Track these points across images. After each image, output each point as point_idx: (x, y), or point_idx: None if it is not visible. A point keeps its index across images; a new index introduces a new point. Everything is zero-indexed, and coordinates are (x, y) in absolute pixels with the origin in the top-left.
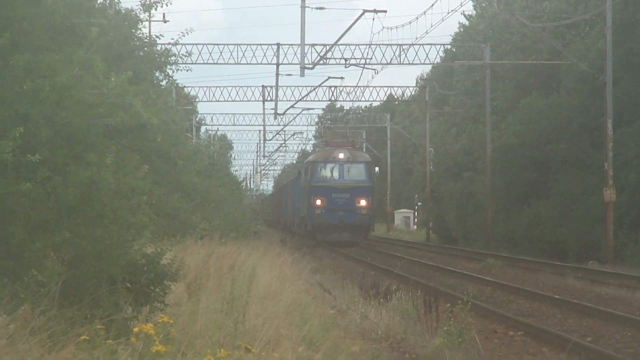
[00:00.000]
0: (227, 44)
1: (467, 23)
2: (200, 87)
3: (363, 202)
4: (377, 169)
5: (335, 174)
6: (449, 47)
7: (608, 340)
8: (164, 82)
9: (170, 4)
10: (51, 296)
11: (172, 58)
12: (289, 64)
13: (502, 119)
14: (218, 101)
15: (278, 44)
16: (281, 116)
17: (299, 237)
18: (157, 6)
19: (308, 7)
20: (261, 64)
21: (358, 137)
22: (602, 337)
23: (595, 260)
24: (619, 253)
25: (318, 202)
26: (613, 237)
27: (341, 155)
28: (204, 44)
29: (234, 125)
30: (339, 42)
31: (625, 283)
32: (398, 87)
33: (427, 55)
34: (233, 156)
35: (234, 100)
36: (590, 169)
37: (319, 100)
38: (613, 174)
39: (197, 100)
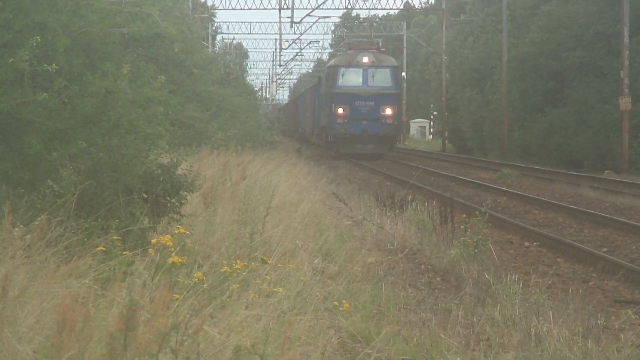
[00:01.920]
0: None
1: None
2: None
3: (389, 111)
4: (403, 74)
5: (359, 80)
6: None
7: (623, 250)
8: None
9: None
10: (67, 207)
11: None
12: None
13: (518, 27)
14: (234, 9)
15: None
16: (297, 24)
17: (316, 147)
18: None
19: None
20: None
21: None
22: (618, 247)
23: (610, 170)
24: (634, 162)
25: (340, 110)
26: (628, 146)
27: (365, 59)
28: None
29: (250, 33)
30: None
31: None
32: None
33: None
34: (249, 65)
35: (250, 9)
36: (606, 77)
37: (335, 9)
38: (629, 83)
39: (214, 8)
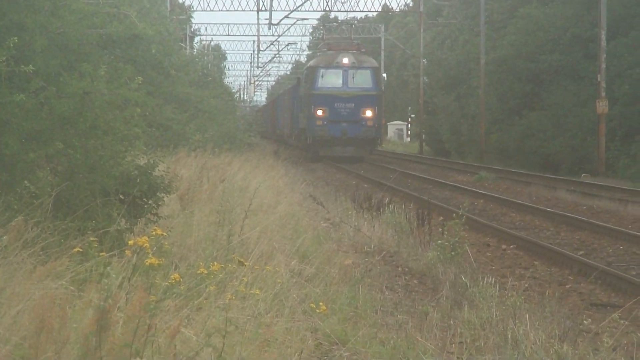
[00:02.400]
0: None
1: None
2: None
3: (369, 113)
4: (384, 75)
5: (339, 81)
6: None
7: (600, 253)
8: None
9: None
10: (44, 208)
11: None
12: None
13: (496, 30)
14: (212, 11)
15: None
16: (275, 26)
17: (294, 149)
18: None
19: None
20: None
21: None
22: (594, 250)
23: (587, 173)
24: (611, 166)
25: (319, 112)
26: (605, 149)
27: (345, 60)
28: None
29: (228, 35)
30: None
31: (617, 196)
32: None
33: None
34: (227, 67)
35: (228, 10)
36: (583, 80)
37: (313, 11)
38: (606, 86)
39: (192, 10)
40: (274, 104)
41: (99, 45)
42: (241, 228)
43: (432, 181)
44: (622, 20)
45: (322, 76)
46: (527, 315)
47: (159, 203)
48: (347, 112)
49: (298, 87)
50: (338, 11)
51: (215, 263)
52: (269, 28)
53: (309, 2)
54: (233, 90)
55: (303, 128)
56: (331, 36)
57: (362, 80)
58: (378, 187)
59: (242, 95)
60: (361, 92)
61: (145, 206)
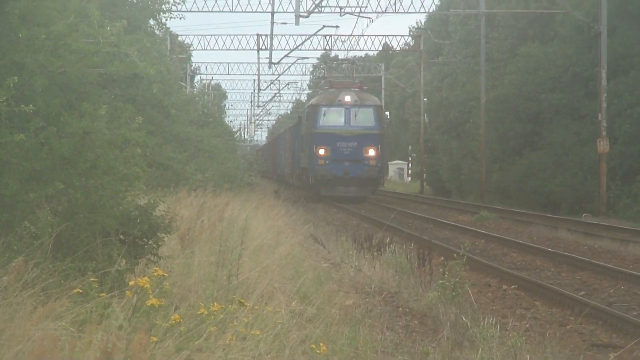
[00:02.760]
0: None
1: None
2: (194, 35)
3: (372, 152)
4: (387, 114)
5: (341, 120)
6: None
7: (601, 294)
8: (158, 31)
9: None
10: (44, 248)
11: (165, 5)
12: (284, 12)
13: (496, 68)
14: (212, 50)
15: None
16: (276, 65)
17: (295, 189)
18: None
19: None
20: (256, 12)
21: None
22: (595, 290)
23: (588, 213)
24: (612, 205)
25: (321, 151)
26: (606, 189)
27: (348, 98)
28: None
29: (228, 74)
30: None
31: (618, 236)
32: (393, 36)
33: (422, 3)
34: (227, 106)
35: (228, 49)
36: (584, 119)
37: (313, 50)
38: (606, 125)
39: (192, 49)
40: (274, 143)
41: (99, 84)
42: (237, 268)
43: (433, 221)
44: (622, 60)
45: (323, 114)
46: (528, 356)
47: (159, 243)
48: (350, 151)
49: (299, 126)
50: (338, 50)
51: (216, 303)
52: (270, 67)
53: (309, 41)
54: (233, 129)
55: (304, 167)
56: (333, 74)
57: (365, 118)
58: (379, 226)
59: (242, 135)
60: (364, 130)
61: (146, 246)
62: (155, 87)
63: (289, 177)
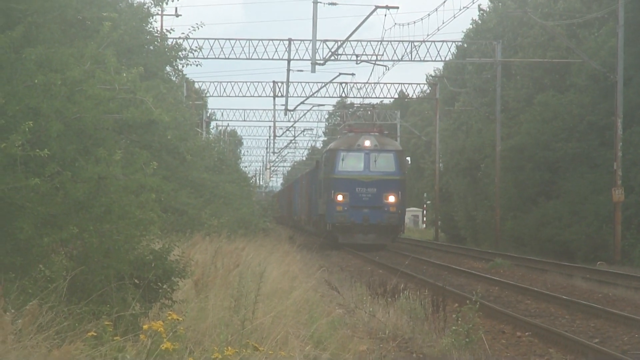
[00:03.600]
0: (239, 39)
1: (479, 20)
2: (211, 82)
3: (392, 199)
4: (408, 159)
5: (360, 165)
6: (460, 44)
7: (615, 341)
8: (174, 77)
9: None
10: (59, 292)
11: (182, 52)
12: (300, 59)
13: (512, 117)
14: (229, 96)
15: (290, 40)
16: (291, 112)
17: (309, 235)
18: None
19: (320, 2)
20: (272, 59)
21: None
22: (610, 338)
23: (603, 261)
24: (627, 254)
25: (340, 197)
26: (621, 237)
27: (367, 143)
28: (215, 39)
29: (244, 120)
30: (350, 38)
31: (633, 284)
32: (409, 84)
33: (438, 52)
34: (242, 152)
35: (244, 96)
36: (599, 168)
37: (329, 97)
38: (622, 174)
39: (207, 95)
40: (290, 188)
41: (114, 130)
42: (252, 313)
43: (447, 267)
44: (637, 109)
45: (342, 159)
46: None
47: (174, 287)
48: (369, 197)
49: (317, 171)
50: (354, 97)
51: (230, 348)
52: (285, 114)
53: (325, 88)
54: (249, 175)
55: (322, 214)
56: (351, 119)
57: (385, 164)
58: (393, 273)
59: (257, 181)
60: (384, 176)
61: (160, 290)
62: (169, 134)
63: (305, 223)
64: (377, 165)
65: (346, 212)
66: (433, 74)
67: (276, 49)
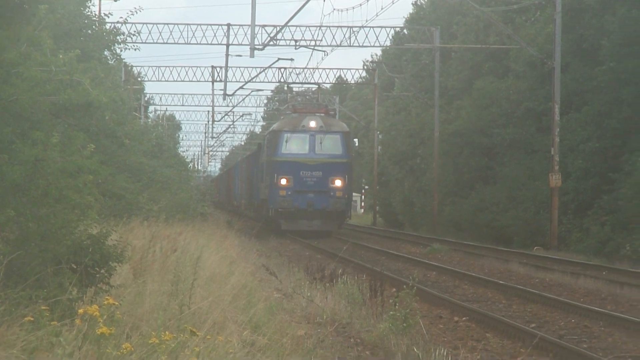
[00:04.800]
0: (178, 24)
1: (420, 2)
2: (149, 66)
3: (338, 183)
4: (356, 141)
5: (305, 147)
6: (399, 29)
7: (552, 326)
8: (112, 61)
9: None
10: None
11: (120, 37)
12: (239, 44)
13: (450, 103)
14: (167, 81)
15: (228, 25)
16: (230, 97)
17: (248, 220)
18: None
19: None
20: (211, 44)
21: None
22: (547, 323)
23: (540, 246)
24: (563, 239)
25: (283, 181)
26: (558, 223)
27: (312, 124)
28: (154, 23)
29: (183, 105)
30: (289, 24)
31: (570, 269)
32: (348, 69)
33: (377, 38)
34: (181, 137)
35: (183, 81)
36: (536, 154)
37: (268, 82)
38: (559, 160)
39: (146, 79)
40: (230, 172)
41: (52, 113)
42: (189, 298)
43: (385, 253)
44: (574, 95)
45: (286, 141)
46: None
47: (111, 272)
48: (314, 181)
49: (259, 154)
50: (293, 83)
51: (167, 333)
52: (224, 98)
53: (263, 73)
54: (187, 160)
55: (264, 199)
56: (295, 100)
57: (331, 146)
58: (331, 258)
59: (196, 165)
60: (330, 159)
61: (97, 275)
62: (107, 115)
63: (245, 208)
64: (322, 148)
65: (290, 197)
66: (371, 60)
67: (215, 34)
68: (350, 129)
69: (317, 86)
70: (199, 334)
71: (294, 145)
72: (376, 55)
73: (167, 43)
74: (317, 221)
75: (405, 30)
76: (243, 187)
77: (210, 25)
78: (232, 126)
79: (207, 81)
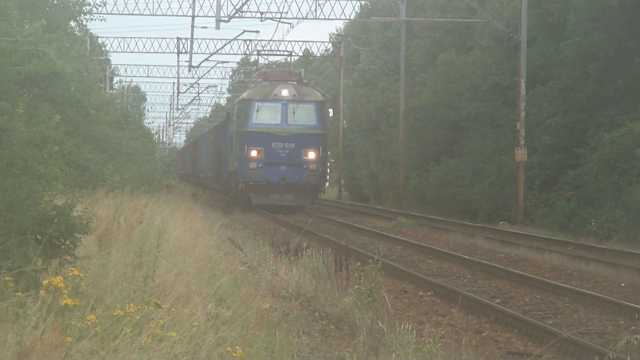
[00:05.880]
0: None
1: None
2: (114, 37)
3: (312, 155)
4: (330, 111)
5: (277, 117)
6: (364, 2)
7: (517, 302)
8: (78, 32)
9: None
10: None
11: (86, 7)
12: (204, 16)
13: (414, 75)
14: (132, 52)
15: None
16: (195, 69)
17: (213, 192)
18: None
19: None
20: (177, 15)
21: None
22: (512, 298)
23: (505, 221)
24: (528, 214)
25: (253, 153)
26: (523, 198)
27: (285, 92)
28: None
29: (148, 77)
30: None
31: (535, 244)
32: (314, 42)
33: (342, 10)
34: (146, 108)
35: (148, 52)
36: (502, 128)
37: (234, 54)
38: (525, 134)
39: (111, 50)
40: (196, 144)
41: (17, 83)
42: (154, 270)
43: (351, 226)
44: (540, 70)
45: (257, 110)
46: None
47: (76, 244)
48: (287, 153)
49: (227, 124)
50: (258, 54)
51: (132, 305)
52: (189, 70)
53: (229, 45)
54: (152, 132)
55: (233, 171)
56: (270, 65)
57: (305, 116)
58: (296, 231)
59: (161, 137)
60: (303, 130)
61: (62, 246)
62: (72, 85)
63: (213, 181)
64: (295, 118)
65: (261, 170)
66: (336, 33)
67: (180, 6)
68: (324, 98)
69: (288, 55)
70: (164, 306)
71: (265, 115)
72: (341, 28)
73: (132, 14)
74: (289, 195)
75: (369, 4)
76: (210, 159)
77: None
78: (197, 98)
79: (173, 53)
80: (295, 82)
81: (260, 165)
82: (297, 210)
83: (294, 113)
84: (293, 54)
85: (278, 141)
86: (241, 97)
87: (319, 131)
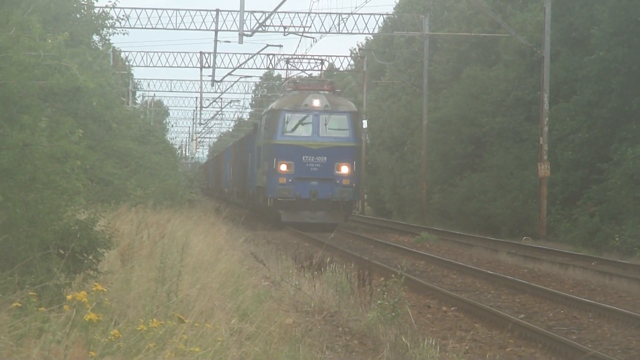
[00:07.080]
0: (166, 9)
1: None
2: (137, 52)
3: (345, 169)
4: (365, 123)
5: (308, 129)
6: (387, 17)
7: (540, 317)
8: (100, 46)
9: None
10: None
11: (109, 21)
12: (227, 30)
13: (439, 91)
14: (155, 66)
15: (217, 10)
16: (218, 83)
17: (235, 207)
18: None
19: None
20: (200, 29)
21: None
22: (535, 313)
23: (528, 236)
24: (552, 229)
25: (283, 167)
26: (546, 213)
27: (316, 103)
28: (142, 8)
29: (171, 91)
30: (278, 10)
31: (558, 260)
32: (336, 56)
33: (366, 25)
34: (169, 123)
35: (171, 66)
36: (525, 143)
37: (256, 68)
38: (548, 149)
39: (133, 64)
40: (219, 158)
41: (40, 97)
42: (177, 285)
43: (374, 241)
44: (564, 84)
45: (287, 122)
46: None
47: (99, 258)
48: (318, 167)
49: (255, 136)
50: (281, 69)
51: (155, 320)
52: (212, 85)
53: (252, 59)
54: (175, 146)
55: (261, 187)
56: (297, 74)
57: (338, 127)
58: (319, 246)
59: (184, 152)
60: (336, 142)
61: (85, 261)
62: (94, 100)
63: (238, 197)
64: (327, 130)
65: (291, 185)
66: (358, 47)
67: (203, 20)
68: (358, 108)
69: (321, 63)
70: (187, 321)
71: (296, 127)
72: (361, 43)
73: (155, 28)
74: (321, 212)
75: (395, 16)
76: (235, 173)
77: (199, 10)
78: (220, 113)
79: (196, 67)
80: (327, 92)
81: (290, 180)
82: (330, 228)
83: (325, 124)
84: (313, 70)
85: (309, 154)
86: (270, 107)
87: (353, 144)
